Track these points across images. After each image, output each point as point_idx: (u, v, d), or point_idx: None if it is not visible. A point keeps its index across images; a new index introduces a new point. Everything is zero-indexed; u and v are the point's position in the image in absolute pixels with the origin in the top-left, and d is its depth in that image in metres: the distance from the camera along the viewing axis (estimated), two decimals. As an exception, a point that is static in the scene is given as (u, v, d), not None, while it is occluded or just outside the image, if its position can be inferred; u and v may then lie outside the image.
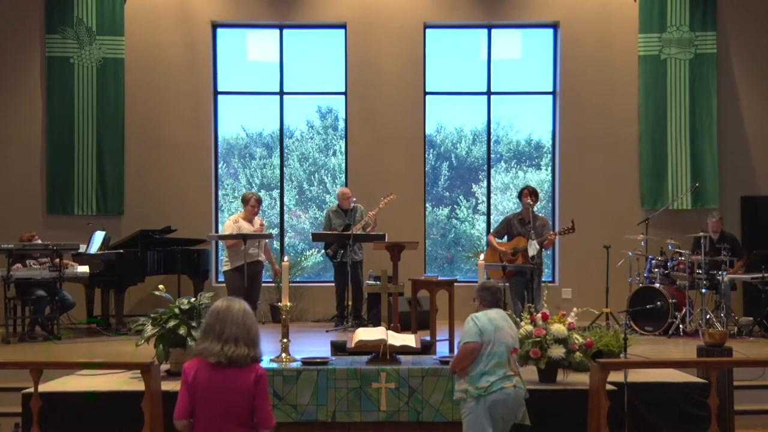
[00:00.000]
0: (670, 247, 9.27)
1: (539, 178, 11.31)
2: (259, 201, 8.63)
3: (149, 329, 6.13)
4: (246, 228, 8.31)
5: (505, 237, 8.32)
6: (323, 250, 9.76)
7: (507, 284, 8.00)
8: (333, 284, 9.88)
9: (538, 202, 8.46)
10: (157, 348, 6.13)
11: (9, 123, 10.59)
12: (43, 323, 8.76)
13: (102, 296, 9.62)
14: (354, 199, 9.49)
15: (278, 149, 11.30)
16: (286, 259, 6.50)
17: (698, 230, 9.00)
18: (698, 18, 10.61)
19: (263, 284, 10.32)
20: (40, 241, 8.96)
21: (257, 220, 8.60)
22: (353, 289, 9.21)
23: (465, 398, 4.55)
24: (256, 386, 3.42)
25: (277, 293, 9.82)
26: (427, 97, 10.96)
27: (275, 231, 10.94)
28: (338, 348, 6.28)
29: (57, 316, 8.62)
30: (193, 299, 6.40)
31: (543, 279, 8.23)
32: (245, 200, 8.59)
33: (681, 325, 8.68)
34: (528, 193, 8.09)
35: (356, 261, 9.32)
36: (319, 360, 5.64)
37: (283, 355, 5.76)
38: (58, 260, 8.59)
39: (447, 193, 11.71)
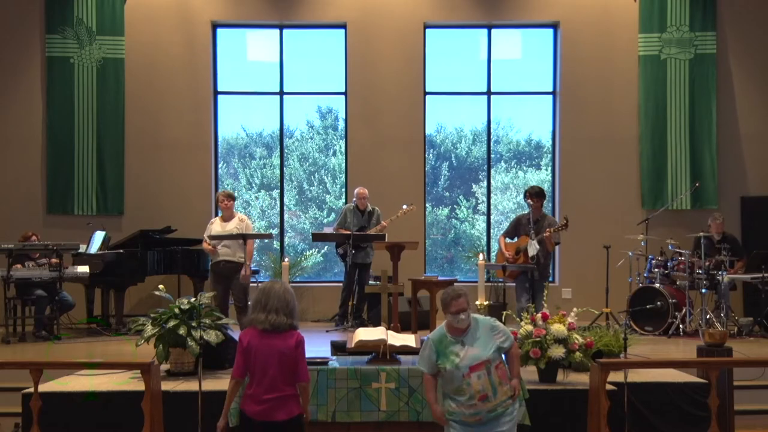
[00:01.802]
0: (670, 247, 9.27)
1: (539, 178, 11.31)
2: (228, 196, 8.32)
3: (149, 329, 6.13)
4: (216, 229, 8.16)
5: (515, 237, 8.35)
6: (334, 249, 9.65)
7: (513, 284, 8.03)
8: (332, 284, 9.87)
9: (544, 201, 8.44)
10: (157, 348, 6.14)
11: (9, 123, 10.60)
12: (44, 323, 8.75)
13: (102, 296, 9.62)
14: (356, 200, 9.44)
15: (278, 149, 11.30)
16: (286, 259, 6.51)
17: (698, 230, 9.00)
18: (698, 18, 10.62)
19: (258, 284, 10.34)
20: (35, 241, 8.95)
21: (237, 217, 8.32)
22: (359, 290, 9.17)
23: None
24: (297, 348, 4.21)
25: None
26: (427, 97, 10.96)
27: (275, 231, 10.94)
28: (338, 348, 6.27)
29: (57, 316, 8.61)
30: (193, 299, 6.40)
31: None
32: (216, 201, 8.45)
33: (681, 325, 8.68)
34: (530, 195, 8.11)
35: (366, 263, 9.28)
36: (319, 360, 5.63)
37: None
38: (56, 260, 8.59)
39: (447, 193, 11.71)
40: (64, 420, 5.61)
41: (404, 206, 9.33)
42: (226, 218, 8.27)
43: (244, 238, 7.84)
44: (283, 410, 4.17)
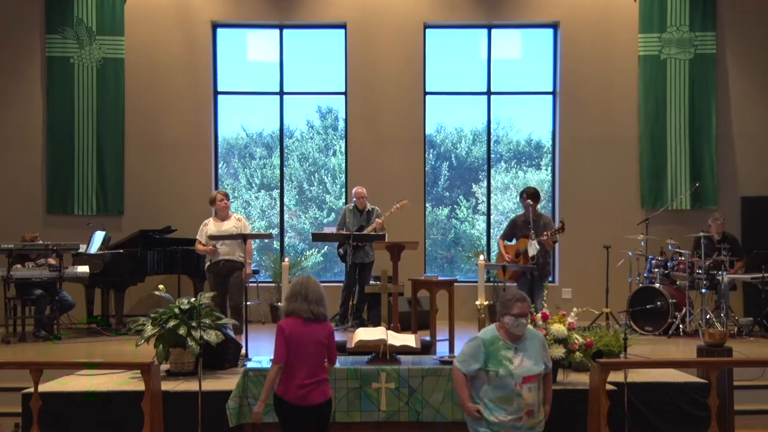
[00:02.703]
0: (670, 247, 9.27)
1: (539, 178, 11.31)
2: (226, 195, 8.24)
3: (149, 329, 6.14)
4: (213, 229, 8.00)
5: (513, 239, 8.30)
6: (335, 249, 9.61)
7: (514, 285, 8.00)
8: (332, 284, 9.84)
9: (541, 202, 8.42)
10: (157, 348, 6.14)
11: (9, 123, 10.60)
12: (44, 323, 8.73)
13: (102, 296, 9.62)
14: (355, 199, 9.42)
15: (278, 149, 11.29)
16: (286, 259, 6.50)
17: (698, 230, 9.00)
18: (698, 18, 10.62)
19: (264, 284, 10.34)
20: (41, 242, 8.95)
21: (234, 217, 8.23)
22: (359, 290, 9.16)
23: None
24: (329, 337, 4.62)
25: (276, 293, 9.82)
26: (427, 97, 10.96)
27: (275, 231, 10.94)
28: (338, 348, 6.26)
29: (57, 316, 8.61)
30: (193, 299, 6.40)
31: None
32: (211, 201, 8.27)
33: (681, 325, 8.67)
34: (527, 196, 8.05)
35: (366, 263, 9.26)
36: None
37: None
38: (55, 261, 8.58)
39: (447, 193, 11.71)
40: (64, 420, 5.61)
41: (396, 203, 9.28)
42: (223, 218, 8.17)
43: (245, 238, 7.77)
44: (320, 393, 4.50)
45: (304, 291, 4.59)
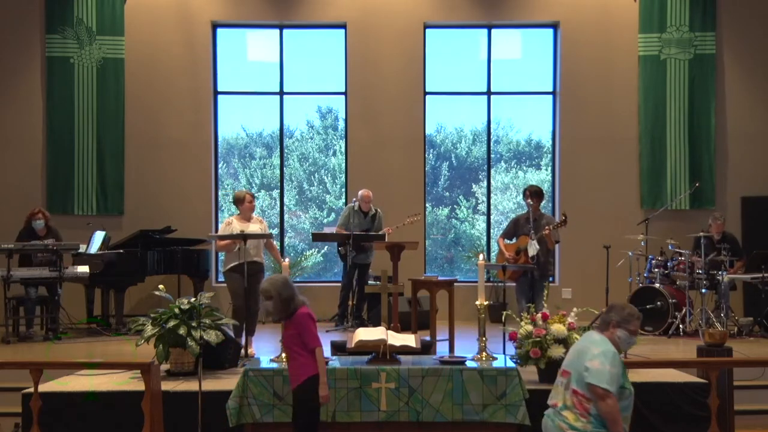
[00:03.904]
0: (670, 247, 9.26)
1: (539, 178, 11.31)
2: (253, 195, 7.94)
3: (149, 329, 6.14)
4: (238, 229, 7.52)
5: (514, 238, 8.31)
6: (335, 249, 9.61)
7: (514, 284, 8.01)
8: (332, 284, 9.86)
9: (543, 201, 8.42)
10: (157, 348, 6.14)
11: (9, 123, 10.60)
12: (54, 325, 8.64)
13: (102, 296, 9.61)
14: (356, 199, 9.43)
15: (278, 149, 11.30)
16: (286, 259, 6.49)
17: (698, 230, 9.00)
18: (698, 18, 10.63)
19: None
20: (41, 222, 8.91)
21: (256, 219, 7.89)
22: (358, 290, 9.16)
23: None
24: None
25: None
26: (427, 97, 10.96)
27: (275, 231, 10.94)
28: (338, 348, 6.28)
29: (57, 315, 8.60)
30: (193, 299, 6.39)
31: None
32: (239, 200, 7.76)
33: (681, 325, 8.67)
34: (529, 194, 8.04)
35: (366, 263, 9.25)
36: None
37: (283, 354, 5.74)
38: (57, 260, 8.60)
39: (447, 193, 11.72)
40: (64, 420, 5.62)
41: (408, 218, 9.34)
42: (248, 218, 7.69)
43: (244, 238, 7.63)
44: None
45: (291, 284, 4.90)
